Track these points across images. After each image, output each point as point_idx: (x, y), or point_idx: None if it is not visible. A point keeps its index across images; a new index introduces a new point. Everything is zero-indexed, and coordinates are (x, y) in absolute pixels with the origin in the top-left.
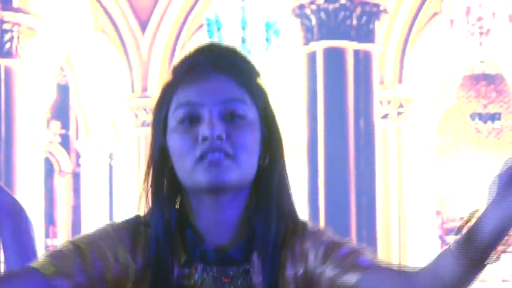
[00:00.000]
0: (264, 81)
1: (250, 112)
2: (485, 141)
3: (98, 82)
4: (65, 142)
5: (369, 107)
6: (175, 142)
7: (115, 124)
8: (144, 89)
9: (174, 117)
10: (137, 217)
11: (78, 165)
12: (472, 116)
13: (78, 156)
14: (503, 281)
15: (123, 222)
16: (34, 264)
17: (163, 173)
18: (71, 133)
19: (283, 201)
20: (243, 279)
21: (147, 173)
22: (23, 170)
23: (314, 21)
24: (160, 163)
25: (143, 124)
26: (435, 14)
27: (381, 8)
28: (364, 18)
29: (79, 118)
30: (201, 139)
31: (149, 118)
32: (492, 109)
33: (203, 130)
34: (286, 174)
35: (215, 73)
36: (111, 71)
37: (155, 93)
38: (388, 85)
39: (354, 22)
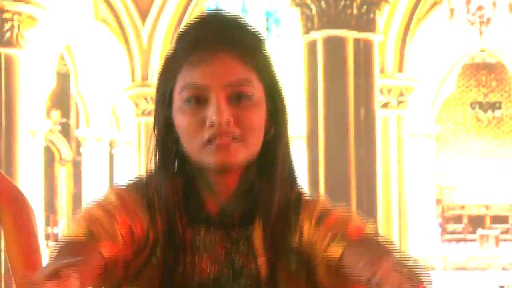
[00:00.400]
0: (268, 47)
1: (257, 91)
2: (485, 130)
3: (98, 71)
4: (65, 130)
5: (370, 96)
6: (181, 121)
7: (116, 113)
8: (145, 78)
9: (180, 96)
10: (145, 182)
11: (78, 153)
12: (472, 105)
13: (78, 144)
14: (503, 269)
15: (134, 188)
16: (79, 233)
17: (168, 143)
18: (72, 121)
19: (286, 170)
20: (244, 242)
21: (151, 140)
22: (23, 158)
23: (314, 10)
24: (165, 134)
25: (143, 113)
26: (435, 3)
27: None
28: (365, 7)
29: (79, 107)
30: (208, 125)
31: (150, 107)
32: (492, 98)
33: (211, 115)
34: (289, 144)
35: (221, 52)
36: (111, 60)
37: (155, 82)
38: (388, 74)
39: (355, 11)
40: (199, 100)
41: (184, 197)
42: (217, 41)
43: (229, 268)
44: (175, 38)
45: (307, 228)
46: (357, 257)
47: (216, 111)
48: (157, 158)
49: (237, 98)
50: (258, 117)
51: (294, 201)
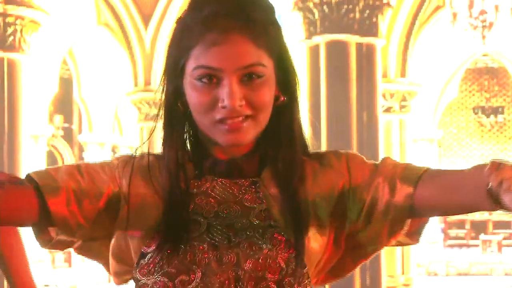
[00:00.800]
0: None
1: (267, 69)
2: (488, 134)
3: (101, 76)
4: (68, 135)
5: (372, 101)
6: (193, 97)
7: (118, 118)
8: (147, 83)
9: (193, 73)
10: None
11: (81, 158)
12: (475, 110)
13: (81, 149)
14: (506, 275)
15: (129, 154)
16: (34, 177)
17: (175, 106)
18: (74, 126)
19: (301, 133)
20: (251, 188)
21: (159, 102)
22: (26, 163)
23: (316, 14)
24: (174, 99)
25: (146, 118)
26: (438, 8)
27: (384, 1)
28: (367, 11)
29: (82, 112)
30: (221, 106)
31: (152, 111)
32: (495, 102)
33: (224, 98)
34: (300, 109)
35: (234, 34)
36: (114, 64)
37: (158, 87)
38: (391, 79)
39: (357, 15)
40: (211, 79)
41: (192, 149)
42: (230, 20)
43: (237, 208)
44: (188, 3)
45: (349, 177)
46: (439, 184)
47: (229, 95)
48: (164, 120)
49: (249, 77)
50: (268, 94)
51: (316, 156)
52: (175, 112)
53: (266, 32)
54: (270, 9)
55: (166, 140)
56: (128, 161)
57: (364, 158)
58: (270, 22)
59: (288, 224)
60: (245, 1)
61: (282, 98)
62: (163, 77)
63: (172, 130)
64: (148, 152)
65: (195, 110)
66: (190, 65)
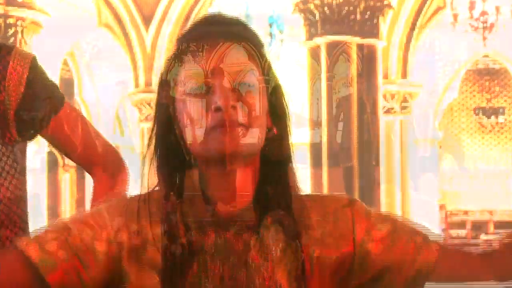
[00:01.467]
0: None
1: (258, 82)
2: (489, 135)
3: (101, 76)
4: None
5: (373, 102)
6: (185, 109)
7: (119, 118)
8: (148, 84)
9: (184, 85)
10: (136, 195)
11: None
12: (476, 111)
13: None
14: None
15: (118, 201)
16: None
17: (169, 138)
18: None
19: (293, 168)
20: (254, 239)
21: (151, 138)
22: (27, 164)
23: (317, 16)
24: (167, 128)
25: (147, 119)
26: (439, 9)
27: (385, 2)
28: (368, 13)
29: (83, 113)
30: (214, 109)
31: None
32: (496, 103)
33: (216, 101)
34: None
35: (226, 43)
36: (114, 65)
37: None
38: (392, 80)
39: (358, 17)
40: (202, 88)
41: (189, 197)
42: (222, 34)
43: (242, 268)
44: (175, 41)
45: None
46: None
47: (221, 97)
48: (157, 162)
49: (240, 87)
50: (260, 106)
51: (310, 201)
52: (170, 148)
53: (258, 51)
54: (261, 39)
55: (163, 185)
56: (120, 219)
57: (371, 212)
58: (262, 47)
59: (292, 285)
60: (237, 23)
61: (275, 131)
62: (155, 111)
63: (168, 171)
64: (141, 196)
65: (188, 123)
66: (181, 77)
